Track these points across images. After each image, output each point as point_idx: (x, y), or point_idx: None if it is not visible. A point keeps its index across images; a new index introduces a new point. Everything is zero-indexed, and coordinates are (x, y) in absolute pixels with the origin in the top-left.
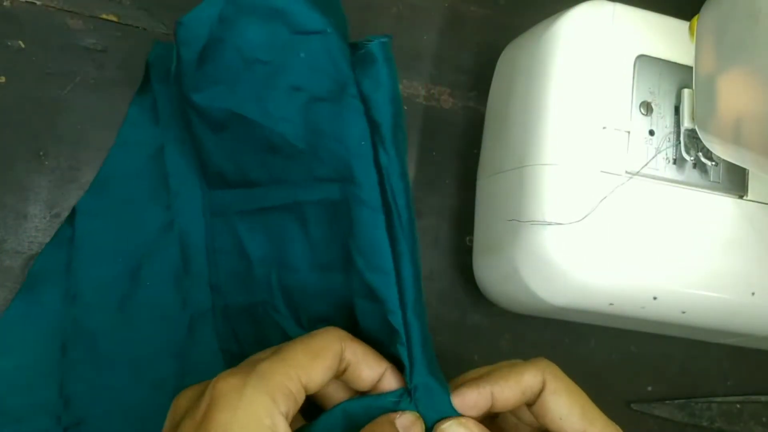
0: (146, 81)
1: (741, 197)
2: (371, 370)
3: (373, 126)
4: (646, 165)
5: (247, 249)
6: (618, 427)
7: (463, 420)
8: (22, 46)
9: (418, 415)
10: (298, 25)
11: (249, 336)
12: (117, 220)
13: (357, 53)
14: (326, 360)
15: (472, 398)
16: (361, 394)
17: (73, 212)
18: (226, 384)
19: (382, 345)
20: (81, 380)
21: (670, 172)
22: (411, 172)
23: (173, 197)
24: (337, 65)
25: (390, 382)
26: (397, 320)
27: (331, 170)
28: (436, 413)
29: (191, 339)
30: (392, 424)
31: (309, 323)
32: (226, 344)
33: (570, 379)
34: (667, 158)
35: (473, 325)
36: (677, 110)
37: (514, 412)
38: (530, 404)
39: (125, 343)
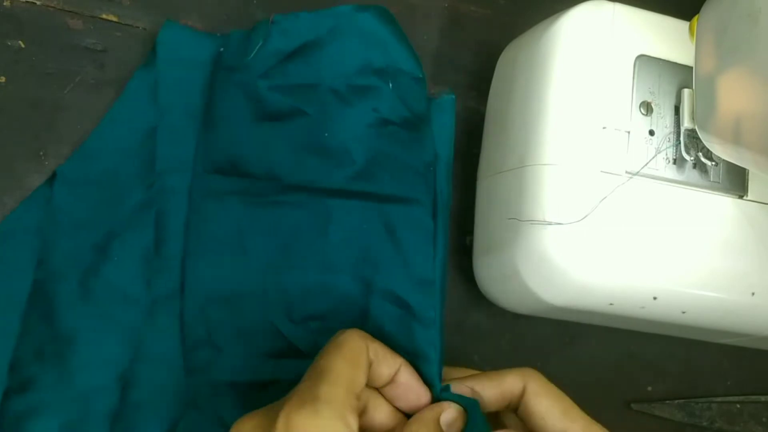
0: (152, 58)
1: (741, 197)
2: (389, 368)
3: (435, 157)
4: (646, 165)
5: (244, 238)
6: (601, 426)
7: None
8: (22, 46)
9: (461, 410)
10: (396, 62)
11: (225, 325)
12: (96, 191)
13: (432, 99)
14: (364, 365)
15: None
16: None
17: (53, 176)
18: (301, 416)
19: (395, 346)
20: (30, 347)
21: (670, 172)
22: None
23: (156, 177)
24: (419, 103)
25: (405, 376)
26: (429, 335)
27: (377, 184)
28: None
29: (150, 323)
30: (437, 421)
31: (302, 320)
32: (192, 329)
33: (552, 384)
34: (667, 158)
35: (473, 325)
36: (677, 110)
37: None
38: (515, 408)
39: (81, 318)
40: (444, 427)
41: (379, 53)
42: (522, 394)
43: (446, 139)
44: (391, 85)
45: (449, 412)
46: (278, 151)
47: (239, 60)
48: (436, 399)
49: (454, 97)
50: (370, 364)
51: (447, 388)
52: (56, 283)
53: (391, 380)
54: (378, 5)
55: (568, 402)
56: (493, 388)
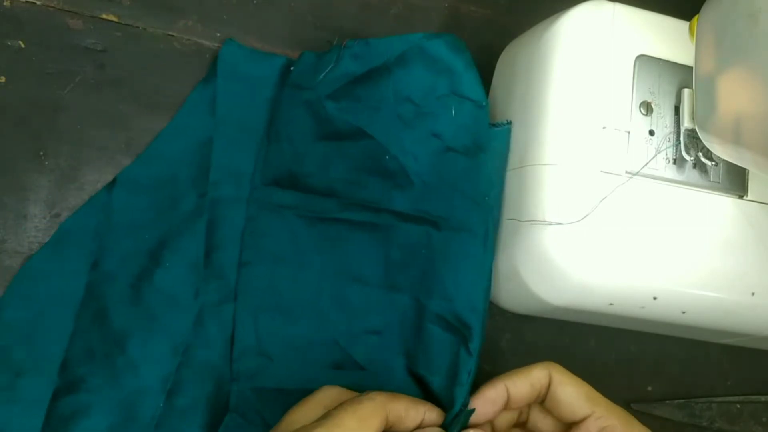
0: (212, 73)
1: (741, 197)
2: (412, 421)
3: (491, 186)
4: (646, 165)
5: (301, 251)
6: (621, 408)
7: None
8: (22, 46)
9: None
10: (460, 89)
11: (277, 334)
12: (152, 197)
13: (491, 127)
14: (372, 427)
15: (490, 394)
16: None
17: (114, 181)
18: None
19: (438, 366)
20: (81, 347)
21: (670, 172)
22: None
23: (210, 186)
24: (480, 131)
25: (432, 418)
26: (470, 363)
27: (434, 210)
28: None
29: (197, 330)
30: None
31: (361, 333)
32: (242, 336)
33: (572, 373)
34: (667, 158)
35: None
36: (677, 110)
37: (536, 419)
38: (542, 401)
39: (131, 320)
40: None
41: (445, 80)
42: (548, 385)
43: (500, 167)
44: (454, 111)
45: None
46: (339, 170)
47: (308, 80)
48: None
49: (510, 126)
50: (391, 424)
51: (467, 413)
52: (109, 286)
53: (420, 425)
54: (449, 33)
55: (589, 387)
56: (523, 383)
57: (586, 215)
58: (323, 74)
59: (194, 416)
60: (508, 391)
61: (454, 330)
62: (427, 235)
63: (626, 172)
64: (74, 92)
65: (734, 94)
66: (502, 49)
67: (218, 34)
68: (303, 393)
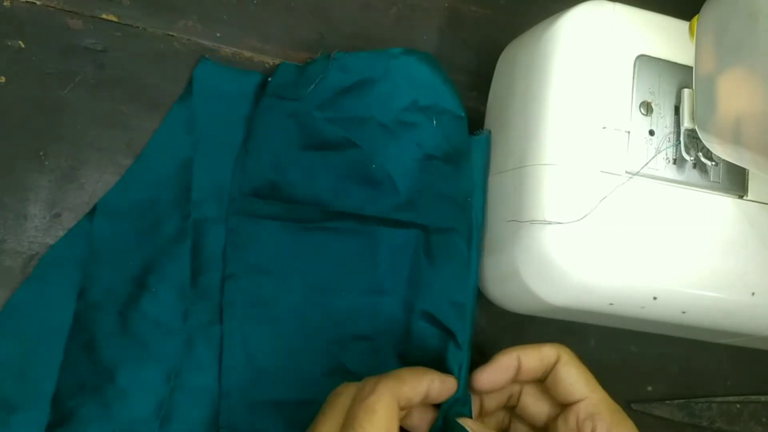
0: (188, 93)
1: (741, 197)
2: (418, 396)
3: (473, 188)
4: (646, 165)
5: (285, 260)
6: (617, 405)
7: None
8: (22, 46)
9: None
10: (441, 102)
11: (265, 345)
12: (134, 222)
13: (471, 136)
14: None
15: (504, 361)
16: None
17: (94, 209)
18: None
19: (431, 360)
20: (72, 379)
21: (670, 172)
22: None
23: (193, 207)
24: (460, 139)
25: (435, 388)
26: (459, 356)
27: (420, 215)
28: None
29: (188, 354)
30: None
31: (351, 339)
32: (230, 351)
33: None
34: (667, 158)
35: (473, 325)
36: (677, 110)
37: (530, 398)
38: (544, 379)
39: (120, 350)
40: None
41: (425, 93)
42: (555, 363)
43: (482, 170)
44: (435, 122)
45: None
46: (325, 179)
47: (291, 91)
48: (443, 414)
49: (489, 135)
50: (401, 413)
51: (466, 403)
52: (96, 316)
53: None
54: (425, 51)
55: (591, 374)
56: (534, 355)
57: (586, 215)
58: (313, 85)
59: None
60: (519, 360)
61: (441, 325)
62: (413, 238)
63: (626, 172)
64: (74, 92)
65: (734, 94)
66: (502, 49)
67: (218, 35)
68: (297, 403)
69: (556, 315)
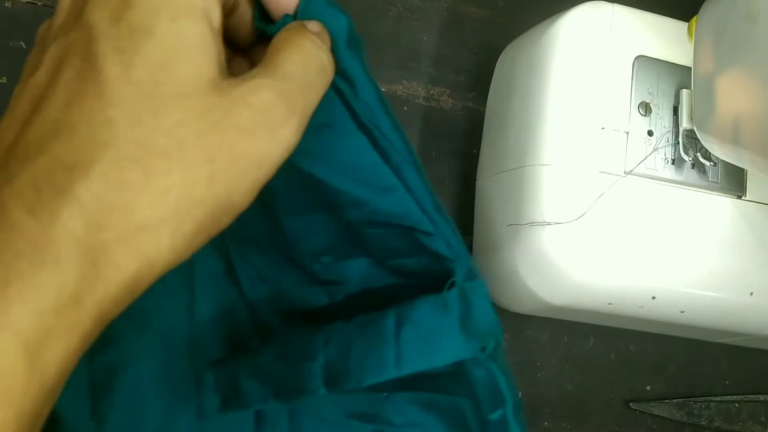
0: None
1: (739, 197)
2: None
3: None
4: (642, 161)
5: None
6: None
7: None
8: (24, 46)
9: (323, 26)
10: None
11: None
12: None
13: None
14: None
15: None
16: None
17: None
18: None
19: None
20: None
21: (669, 172)
22: None
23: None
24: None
25: None
26: (425, 225)
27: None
28: None
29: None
30: (303, 25)
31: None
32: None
33: None
34: (665, 158)
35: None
36: (676, 111)
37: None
38: None
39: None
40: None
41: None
42: None
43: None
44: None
45: (313, 24)
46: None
47: None
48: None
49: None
50: None
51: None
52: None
53: None
54: None
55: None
56: None
57: (583, 213)
58: None
59: None
60: None
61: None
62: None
63: (625, 172)
64: None
65: (733, 94)
66: (501, 50)
67: None
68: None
69: (556, 314)
